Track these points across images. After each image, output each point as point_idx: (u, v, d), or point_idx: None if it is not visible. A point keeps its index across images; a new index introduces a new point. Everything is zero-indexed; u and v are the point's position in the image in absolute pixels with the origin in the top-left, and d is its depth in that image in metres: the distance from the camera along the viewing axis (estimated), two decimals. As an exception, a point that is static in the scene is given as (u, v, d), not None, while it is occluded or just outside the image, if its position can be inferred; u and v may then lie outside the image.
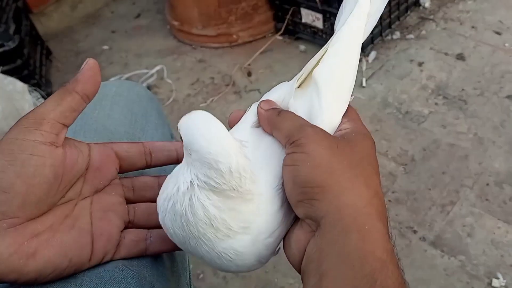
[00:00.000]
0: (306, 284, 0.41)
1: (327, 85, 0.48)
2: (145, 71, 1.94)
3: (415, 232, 1.24)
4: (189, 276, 0.69)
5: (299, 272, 0.43)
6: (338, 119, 0.49)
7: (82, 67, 0.47)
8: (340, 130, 0.48)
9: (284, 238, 0.45)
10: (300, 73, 0.51)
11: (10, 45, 1.75)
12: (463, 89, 1.59)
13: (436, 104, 1.57)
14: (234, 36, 2.00)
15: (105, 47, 2.20)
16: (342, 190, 0.41)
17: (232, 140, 0.41)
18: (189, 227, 0.43)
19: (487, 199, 1.28)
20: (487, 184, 1.31)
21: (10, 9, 1.89)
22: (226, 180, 0.41)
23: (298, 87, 0.51)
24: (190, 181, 0.42)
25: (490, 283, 1.11)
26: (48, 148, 0.42)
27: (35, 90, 1.68)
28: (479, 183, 1.32)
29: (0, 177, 0.40)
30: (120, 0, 2.54)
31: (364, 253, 0.38)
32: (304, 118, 0.47)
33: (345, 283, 0.37)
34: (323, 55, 0.51)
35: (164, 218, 0.45)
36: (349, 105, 0.50)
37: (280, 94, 0.51)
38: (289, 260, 0.44)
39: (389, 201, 1.31)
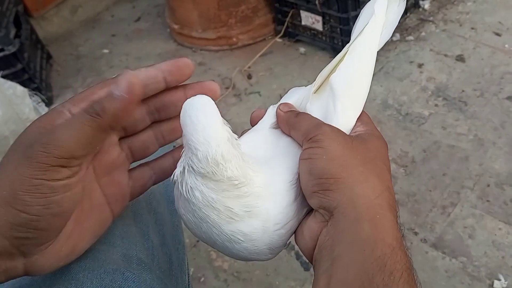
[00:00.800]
0: (318, 269, 0.42)
1: (343, 91, 0.51)
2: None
3: (416, 234, 1.23)
4: (188, 279, 0.70)
5: (311, 260, 0.44)
6: (352, 122, 0.51)
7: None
8: (355, 132, 0.50)
9: (296, 229, 0.47)
10: (317, 79, 0.53)
11: (11, 49, 1.75)
12: (463, 91, 1.59)
13: (436, 105, 1.57)
14: (234, 39, 2.01)
15: (105, 50, 2.21)
16: (355, 182, 0.42)
17: (218, 129, 0.42)
18: (195, 211, 0.44)
19: (488, 200, 1.28)
20: (488, 185, 1.31)
21: (11, 13, 1.90)
22: (203, 166, 0.42)
23: (314, 92, 0.53)
24: (184, 166, 0.43)
25: (491, 285, 1.11)
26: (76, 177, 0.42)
27: (35, 94, 1.69)
28: (479, 184, 1.32)
29: (38, 221, 0.39)
30: (120, 4, 2.55)
31: (375, 239, 0.40)
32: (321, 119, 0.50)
33: (356, 266, 0.39)
34: (339, 62, 0.53)
35: (178, 205, 0.47)
36: (362, 110, 0.53)
37: (298, 98, 0.53)
38: (301, 249, 0.46)
39: (390, 203, 1.31)
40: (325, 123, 0.48)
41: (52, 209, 0.39)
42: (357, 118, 0.52)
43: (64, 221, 0.41)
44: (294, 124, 0.49)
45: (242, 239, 0.45)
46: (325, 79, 0.54)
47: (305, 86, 0.54)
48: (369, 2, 0.56)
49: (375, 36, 0.54)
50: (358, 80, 0.53)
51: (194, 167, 0.42)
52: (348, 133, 0.50)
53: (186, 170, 0.43)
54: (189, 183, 0.43)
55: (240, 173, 0.43)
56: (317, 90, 0.54)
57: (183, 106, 0.42)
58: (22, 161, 0.38)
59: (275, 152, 0.50)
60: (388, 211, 0.42)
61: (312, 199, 0.44)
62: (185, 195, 0.44)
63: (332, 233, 0.42)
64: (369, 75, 0.54)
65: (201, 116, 0.41)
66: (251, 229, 0.45)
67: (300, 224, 0.47)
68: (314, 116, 0.50)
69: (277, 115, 0.51)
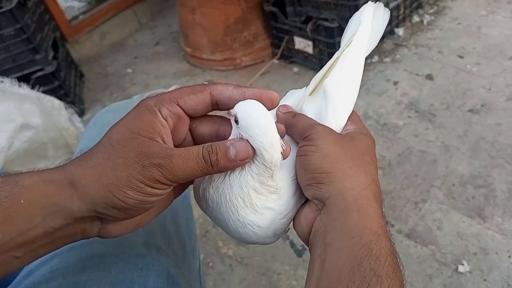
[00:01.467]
0: (313, 253, 0.41)
1: (334, 94, 0.49)
2: (162, 90, 1.95)
3: (392, 225, 1.23)
4: (199, 264, 0.69)
5: (307, 244, 0.44)
6: (343, 121, 0.50)
7: None
8: (346, 130, 0.49)
9: (294, 217, 0.46)
10: (310, 83, 0.52)
11: (49, 69, 1.76)
12: (431, 104, 1.59)
13: (409, 117, 1.56)
14: (238, 60, 2.01)
15: (129, 70, 2.21)
16: (345, 176, 0.42)
17: (278, 134, 0.42)
18: (226, 195, 0.44)
19: (453, 197, 1.27)
20: (453, 185, 1.31)
21: (49, 38, 1.91)
22: (265, 168, 0.42)
23: (309, 95, 0.52)
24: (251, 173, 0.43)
25: (456, 269, 1.11)
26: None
27: (70, 106, 1.69)
28: (446, 184, 1.31)
29: (130, 210, 0.40)
30: (142, 31, 2.55)
31: (362, 227, 0.39)
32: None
33: (346, 252, 0.38)
34: (331, 68, 0.52)
35: (207, 185, 0.45)
36: (353, 110, 0.51)
37: (295, 100, 0.52)
38: (298, 234, 0.45)
39: (370, 199, 1.31)
40: (319, 123, 0.46)
41: (145, 205, 0.39)
42: (348, 118, 0.50)
43: (147, 211, 0.41)
44: (291, 124, 0.48)
45: (256, 229, 0.45)
46: (319, 83, 0.52)
47: (301, 89, 0.53)
48: (357, 12, 0.55)
49: (363, 44, 0.53)
50: (348, 84, 0.51)
51: (255, 167, 0.42)
52: (339, 132, 0.49)
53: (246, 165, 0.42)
54: (242, 175, 0.43)
55: (276, 184, 0.44)
56: (312, 92, 0.52)
57: (239, 109, 0.41)
58: (135, 165, 0.38)
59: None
60: (374, 201, 0.42)
61: (307, 191, 0.44)
62: (229, 181, 0.43)
63: (324, 221, 0.41)
64: (358, 79, 0.52)
65: (266, 121, 0.41)
66: (263, 221, 0.44)
67: (297, 212, 0.46)
68: (309, 116, 0.49)
69: (277, 116, 0.50)
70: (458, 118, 1.52)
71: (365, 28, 0.53)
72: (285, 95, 0.54)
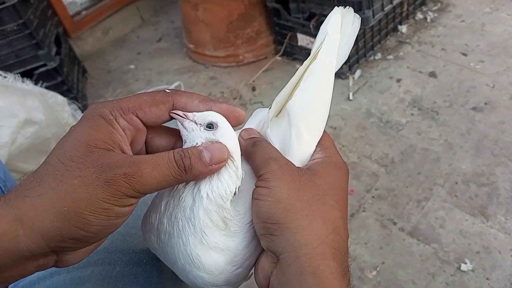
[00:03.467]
0: None
1: (299, 118, 0.44)
2: (165, 86, 1.94)
3: (395, 223, 1.23)
4: None
5: None
6: (311, 148, 0.44)
7: None
8: (312, 160, 0.43)
9: (254, 266, 0.42)
10: (272, 105, 0.45)
11: (52, 64, 1.75)
12: (435, 102, 1.59)
13: (412, 114, 1.56)
14: (241, 57, 2.00)
15: (132, 66, 2.20)
16: (299, 228, 0.37)
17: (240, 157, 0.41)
18: (178, 222, 0.39)
19: (456, 196, 1.27)
20: (456, 183, 1.30)
21: (52, 34, 1.90)
22: (228, 191, 0.39)
23: (276, 115, 0.46)
24: (211, 189, 0.39)
25: (459, 268, 1.10)
26: None
27: (73, 102, 1.69)
28: (449, 182, 1.31)
29: (92, 237, 0.35)
30: (144, 27, 2.55)
31: None
32: (278, 148, 0.43)
33: None
34: (296, 87, 0.46)
35: (154, 209, 0.41)
36: (325, 132, 0.45)
37: (260, 121, 0.46)
38: (258, 285, 0.41)
39: (373, 197, 1.30)
40: (275, 158, 0.41)
41: (110, 229, 0.35)
42: (319, 142, 0.44)
43: (111, 234, 0.37)
44: (250, 155, 0.42)
45: (201, 267, 0.39)
46: (285, 103, 0.45)
47: (266, 108, 0.46)
48: (323, 23, 0.47)
49: (331, 58, 0.46)
50: (315, 105, 0.45)
51: (217, 186, 0.39)
52: (307, 159, 0.43)
53: (208, 194, 0.39)
54: (202, 203, 0.39)
55: (232, 211, 0.40)
56: (277, 114, 0.46)
57: (215, 114, 0.40)
58: (96, 182, 0.33)
59: (243, 184, 0.41)
60: (332, 259, 0.37)
61: (261, 240, 0.39)
62: (183, 204, 0.39)
63: (280, 279, 0.37)
64: (326, 99, 0.45)
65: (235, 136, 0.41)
66: (211, 261, 0.39)
67: (256, 261, 0.41)
68: (273, 143, 0.43)
69: (239, 143, 0.43)
70: (461, 116, 1.51)
71: (332, 39, 0.46)
72: (251, 114, 0.48)
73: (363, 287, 1.10)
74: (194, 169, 0.37)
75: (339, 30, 0.47)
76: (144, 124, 0.40)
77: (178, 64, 2.14)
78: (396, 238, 1.19)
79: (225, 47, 1.98)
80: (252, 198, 0.39)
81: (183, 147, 0.40)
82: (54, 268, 0.49)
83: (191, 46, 2.08)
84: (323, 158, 0.43)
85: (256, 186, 0.39)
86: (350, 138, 1.49)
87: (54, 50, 1.81)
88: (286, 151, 0.43)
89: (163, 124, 0.42)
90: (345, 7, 0.49)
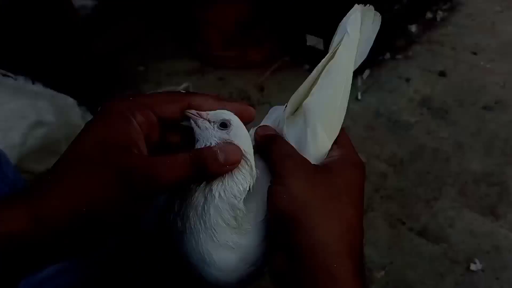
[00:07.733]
0: None
1: (315, 117, 0.44)
2: (174, 88, 1.95)
3: (404, 223, 1.23)
4: None
5: None
6: (327, 146, 0.44)
7: None
8: (329, 157, 0.43)
9: (268, 261, 0.42)
10: (288, 103, 0.46)
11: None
12: (444, 101, 1.58)
13: (421, 114, 1.55)
14: (249, 58, 2.01)
15: (141, 68, 2.22)
16: (314, 226, 0.37)
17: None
18: (190, 219, 0.40)
19: (466, 195, 1.26)
20: (466, 183, 1.30)
21: (62, 36, 1.92)
22: (242, 189, 0.40)
23: (293, 113, 0.46)
24: (224, 188, 0.40)
25: (468, 267, 1.10)
26: None
27: (83, 104, 1.71)
28: (458, 182, 1.30)
29: None
30: (154, 29, 2.56)
31: None
32: (294, 145, 0.43)
33: None
34: (313, 85, 0.46)
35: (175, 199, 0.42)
36: (342, 130, 0.45)
37: (276, 119, 0.47)
38: (272, 282, 0.41)
39: (381, 197, 1.30)
40: (292, 155, 0.41)
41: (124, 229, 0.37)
42: (336, 140, 0.44)
43: None
44: (265, 152, 0.43)
45: (212, 264, 0.40)
46: (301, 101, 0.46)
47: (283, 106, 0.47)
48: (343, 20, 0.47)
49: (349, 56, 0.46)
50: (332, 105, 0.45)
51: (230, 186, 0.39)
52: (322, 158, 0.43)
53: (220, 194, 0.39)
54: (215, 201, 0.39)
55: (244, 209, 0.40)
56: (294, 112, 0.46)
57: (229, 113, 0.40)
58: (114, 182, 0.34)
59: (257, 182, 0.42)
60: (347, 257, 0.36)
61: (275, 237, 0.39)
62: (198, 201, 0.40)
63: (294, 277, 0.37)
64: (344, 98, 0.46)
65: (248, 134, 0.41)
66: (222, 258, 0.40)
67: (270, 258, 0.41)
68: (289, 141, 0.43)
69: (255, 139, 0.44)
70: (472, 115, 1.50)
71: (352, 37, 0.46)
72: (268, 111, 0.49)
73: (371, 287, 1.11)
74: (209, 170, 0.38)
75: (359, 28, 0.47)
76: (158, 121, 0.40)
77: (187, 65, 2.14)
78: (405, 238, 1.19)
79: (234, 48, 1.99)
80: (268, 194, 0.39)
81: (196, 145, 0.41)
82: (61, 268, 0.50)
83: (200, 47, 2.10)
84: (340, 156, 0.43)
85: (272, 183, 0.40)
86: (358, 138, 1.49)
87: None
88: (301, 150, 0.43)
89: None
90: (365, 4, 0.48)
